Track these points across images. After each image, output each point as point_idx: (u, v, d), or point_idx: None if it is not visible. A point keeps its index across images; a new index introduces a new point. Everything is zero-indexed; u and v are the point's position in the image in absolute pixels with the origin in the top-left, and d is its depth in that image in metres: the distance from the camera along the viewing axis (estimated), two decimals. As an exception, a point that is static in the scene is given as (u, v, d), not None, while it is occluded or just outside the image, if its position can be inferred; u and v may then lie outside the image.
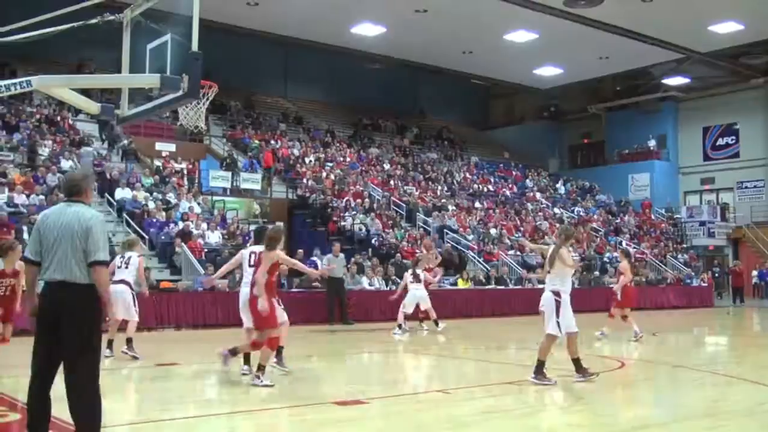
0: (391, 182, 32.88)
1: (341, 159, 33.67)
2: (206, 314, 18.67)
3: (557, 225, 34.25)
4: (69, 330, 5.49)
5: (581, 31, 32.51)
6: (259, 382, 9.23)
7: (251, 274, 9.88)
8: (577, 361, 9.87)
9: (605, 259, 31.48)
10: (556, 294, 9.82)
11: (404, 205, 30.37)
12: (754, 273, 36.47)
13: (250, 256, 10.27)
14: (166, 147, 29.00)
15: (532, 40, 34.01)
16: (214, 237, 23.04)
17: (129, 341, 12.12)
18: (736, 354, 14.77)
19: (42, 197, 21.23)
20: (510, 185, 38.83)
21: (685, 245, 38.73)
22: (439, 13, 30.57)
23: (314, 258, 22.73)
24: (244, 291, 10.05)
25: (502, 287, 25.62)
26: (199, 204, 24.87)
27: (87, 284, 5.57)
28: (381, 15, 31.29)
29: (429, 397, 9.02)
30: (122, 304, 11.86)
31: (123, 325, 12.17)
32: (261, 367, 9.31)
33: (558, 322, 9.70)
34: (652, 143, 44.12)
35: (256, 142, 32.29)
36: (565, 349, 9.88)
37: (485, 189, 36.78)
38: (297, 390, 9.66)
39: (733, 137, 42.71)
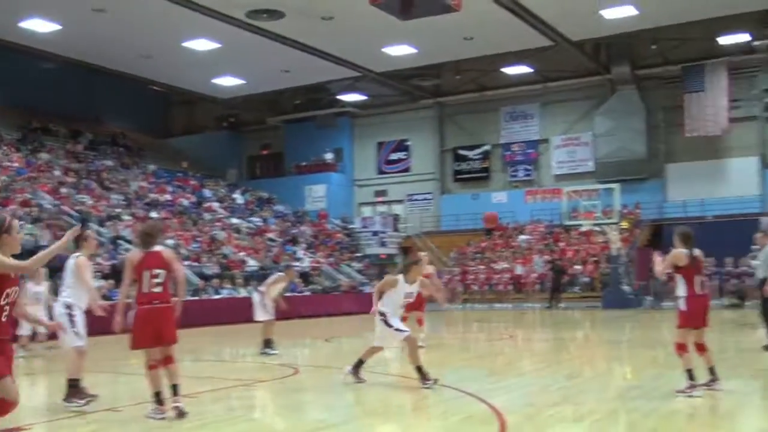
0: (63, 190, 31.13)
1: (8, 164, 31.34)
2: None
3: (235, 235, 34.30)
4: None
5: (263, 44, 32.72)
6: None
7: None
8: (419, 370, 9.94)
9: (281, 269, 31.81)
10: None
11: (77, 215, 28.84)
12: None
13: None
14: None
15: (213, 49, 33.63)
16: None
17: None
18: (405, 355, 15.42)
19: None
20: (188, 195, 38.23)
21: (359, 254, 40.25)
22: (118, 13, 29.31)
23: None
24: None
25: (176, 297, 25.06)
26: None
27: None
28: (54, 11, 29.34)
29: (98, 417, 8.50)
30: None
31: None
32: None
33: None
34: (329, 156, 45.47)
35: None
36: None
37: (162, 198, 35.92)
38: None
39: (405, 153, 45.14)
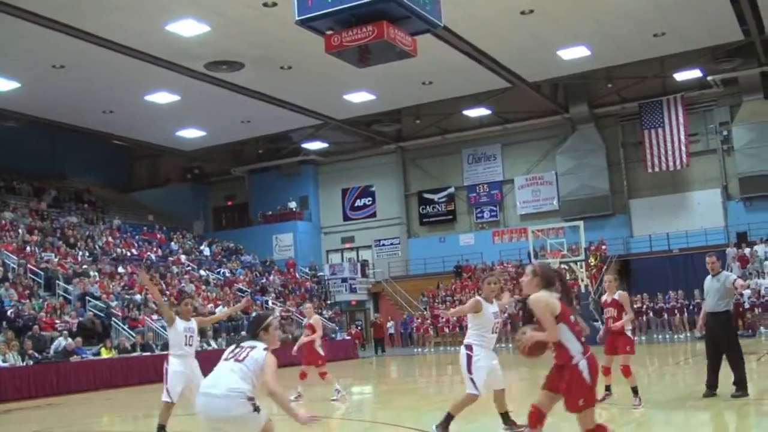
0: (28, 248, 30.79)
1: (-30, 224, 30.97)
2: None
3: (204, 287, 34.10)
4: None
5: (222, 95, 32.82)
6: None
7: None
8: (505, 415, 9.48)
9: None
10: (468, 348, 9.13)
11: (42, 273, 28.53)
12: (390, 323, 38.64)
13: None
14: None
15: (173, 101, 33.62)
16: None
17: None
18: (379, 400, 15.36)
19: None
20: (155, 248, 37.95)
21: (329, 301, 40.15)
22: (77, 70, 29.23)
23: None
24: None
25: (149, 353, 24.82)
26: None
27: None
28: (14, 69, 29.14)
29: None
30: None
31: None
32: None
33: (471, 379, 8.99)
34: (293, 204, 45.48)
35: None
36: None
37: (129, 253, 35.64)
38: None
39: (370, 198, 45.28)
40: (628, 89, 37.66)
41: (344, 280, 41.91)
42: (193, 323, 10.75)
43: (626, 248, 38.21)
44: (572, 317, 6.25)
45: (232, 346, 6.48)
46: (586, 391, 5.96)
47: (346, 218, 45.88)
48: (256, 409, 6.02)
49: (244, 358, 6.22)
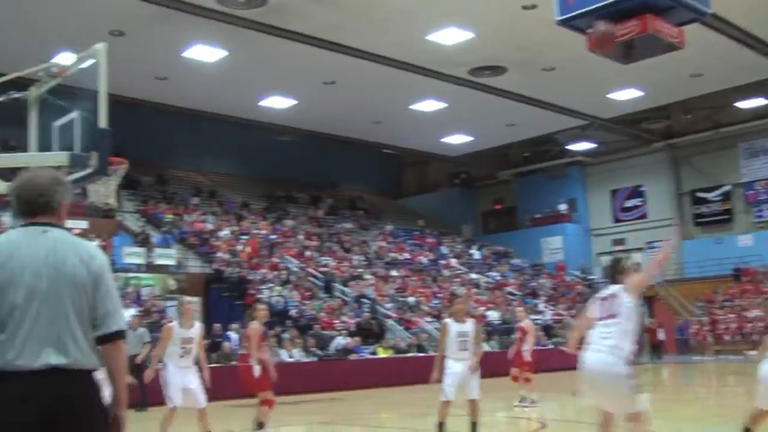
0: (308, 253, 32.75)
1: (256, 232, 33.42)
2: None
3: (474, 290, 34.55)
4: None
5: (487, 100, 33.08)
6: None
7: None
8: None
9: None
10: None
11: (321, 276, 30.25)
12: (660, 329, 37.03)
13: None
14: (77, 224, 28.18)
15: (440, 109, 34.44)
16: (129, 314, 22.53)
17: None
18: (657, 409, 14.91)
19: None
20: (426, 252, 39.03)
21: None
22: (347, 84, 30.78)
23: (230, 332, 22.51)
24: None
25: (423, 354, 25.55)
26: (112, 282, 24.27)
27: (91, 371, 3.35)
28: (290, 87, 31.35)
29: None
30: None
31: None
32: None
33: None
34: (562, 207, 44.99)
35: (170, 216, 31.90)
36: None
37: (401, 257, 36.89)
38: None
39: (641, 199, 43.89)
40: None
41: (616, 283, 40.82)
42: (468, 326, 10.41)
43: None
44: None
45: (598, 302, 6.81)
46: None
47: (616, 220, 44.78)
48: (632, 382, 6.17)
49: (617, 311, 6.45)
